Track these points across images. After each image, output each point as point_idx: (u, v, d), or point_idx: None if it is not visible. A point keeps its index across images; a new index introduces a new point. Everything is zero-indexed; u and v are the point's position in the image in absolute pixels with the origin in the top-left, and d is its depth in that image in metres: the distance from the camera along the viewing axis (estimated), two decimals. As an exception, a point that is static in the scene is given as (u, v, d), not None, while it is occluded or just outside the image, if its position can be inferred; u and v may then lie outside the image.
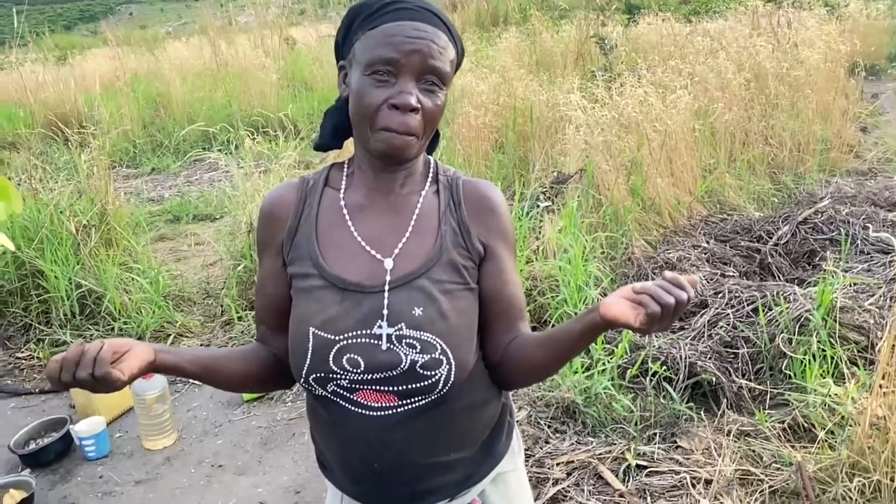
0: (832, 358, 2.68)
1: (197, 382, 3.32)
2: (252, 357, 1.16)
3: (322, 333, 1.02)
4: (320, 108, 8.62)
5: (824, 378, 2.56)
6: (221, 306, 3.91)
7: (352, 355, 1.01)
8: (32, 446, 2.82)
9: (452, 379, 1.02)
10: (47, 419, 2.97)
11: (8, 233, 3.14)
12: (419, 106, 0.98)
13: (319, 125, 1.16)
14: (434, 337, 1.01)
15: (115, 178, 5.41)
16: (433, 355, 1.00)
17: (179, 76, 9.83)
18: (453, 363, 1.02)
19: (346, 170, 1.13)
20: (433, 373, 1.01)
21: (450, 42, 1.03)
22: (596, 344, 2.89)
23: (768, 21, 6.93)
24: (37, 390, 3.33)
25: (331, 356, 1.02)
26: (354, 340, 1.01)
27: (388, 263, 1.04)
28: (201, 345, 3.64)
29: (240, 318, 3.74)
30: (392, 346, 1.01)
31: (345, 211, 1.08)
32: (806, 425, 2.48)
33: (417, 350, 1.00)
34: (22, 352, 3.64)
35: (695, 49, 5.93)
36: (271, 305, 1.14)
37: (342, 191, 1.10)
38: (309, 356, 1.02)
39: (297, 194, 1.12)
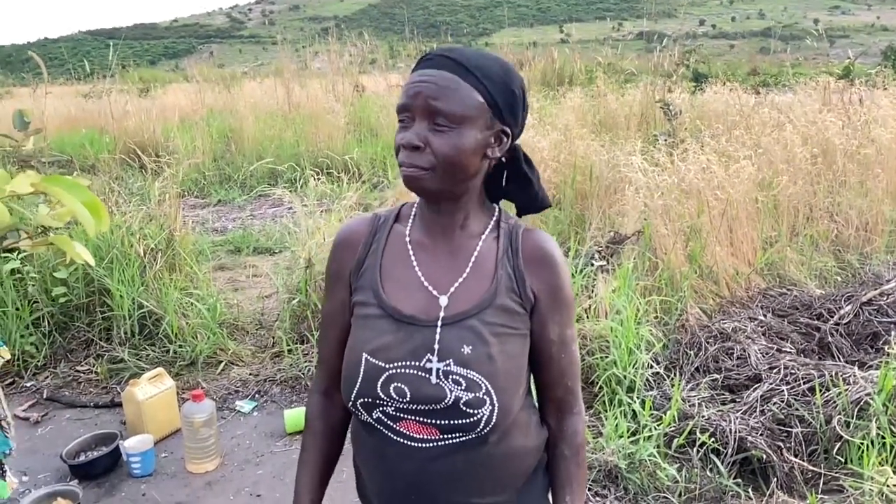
0: (892, 446, 2.57)
1: (244, 410, 3.39)
2: (336, 435, 1.28)
3: (373, 360, 1.07)
4: (384, 153, 8.87)
5: (882, 466, 2.45)
6: (273, 338, 4.00)
7: (399, 384, 1.06)
8: (82, 458, 2.91)
9: (495, 420, 1.05)
10: (99, 433, 3.06)
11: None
12: (420, 144, 1.04)
13: None
14: (480, 377, 1.04)
15: (183, 206, 5.63)
16: (477, 394, 1.04)
17: (252, 114, 10.26)
18: (497, 405, 1.04)
19: (414, 209, 1.20)
20: (476, 411, 1.04)
21: (468, 84, 1.04)
22: (643, 409, 2.84)
23: (839, 97, 6.84)
24: (91, 404, 3.45)
25: (379, 383, 1.06)
26: (403, 371, 1.06)
27: (443, 301, 1.09)
28: (250, 374, 3.72)
29: (290, 351, 3.81)
30: (440, 381, 1.05)
31: (409, 247, 1.15)
32: (861, 514, 2.37)
33: (462, 387, 1.04)
34: (82, 365, 3.78)
35: (761, 120, 5.89)
36: (341, 337, 1.17)
37: (408, 228, 1.18)
38: (359, 380, 1.08)
39: (369, 228, 1.20)
